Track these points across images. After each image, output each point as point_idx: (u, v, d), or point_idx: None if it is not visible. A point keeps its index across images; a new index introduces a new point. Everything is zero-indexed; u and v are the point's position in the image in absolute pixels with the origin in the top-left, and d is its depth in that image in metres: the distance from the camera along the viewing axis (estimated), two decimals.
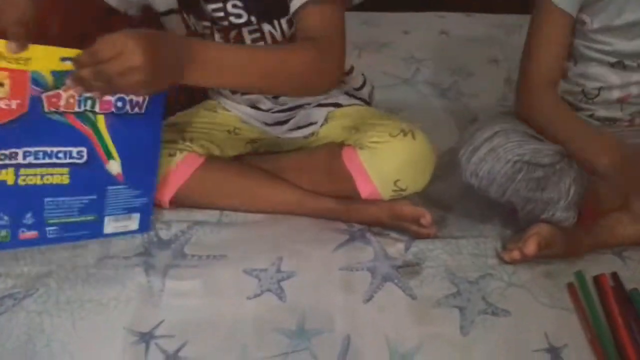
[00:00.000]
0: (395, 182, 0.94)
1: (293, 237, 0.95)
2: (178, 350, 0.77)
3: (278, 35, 0.94)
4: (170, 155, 0.96)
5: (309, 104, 1.06)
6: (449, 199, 1.05)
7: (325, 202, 1.00)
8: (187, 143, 0.99)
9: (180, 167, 0.96)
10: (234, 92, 1.07)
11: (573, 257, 0.94)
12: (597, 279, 0.91)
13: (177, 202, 0.98)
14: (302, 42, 0.85)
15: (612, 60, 0.96)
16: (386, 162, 0.94)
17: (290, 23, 0.93)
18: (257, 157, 1.08)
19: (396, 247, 0.94)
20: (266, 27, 0.94)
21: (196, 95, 1.15)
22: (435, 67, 1.56)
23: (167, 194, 0.96)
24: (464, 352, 0.78)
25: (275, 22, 0.93)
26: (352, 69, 1.09)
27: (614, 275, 0.92)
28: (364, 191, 0.96)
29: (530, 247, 0.89)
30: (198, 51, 0.75)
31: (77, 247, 0.90)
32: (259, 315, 0.83)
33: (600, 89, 0.99)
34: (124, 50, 0.67)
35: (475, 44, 1.67)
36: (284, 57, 0.82)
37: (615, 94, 0.99)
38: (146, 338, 0.78)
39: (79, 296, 0.83)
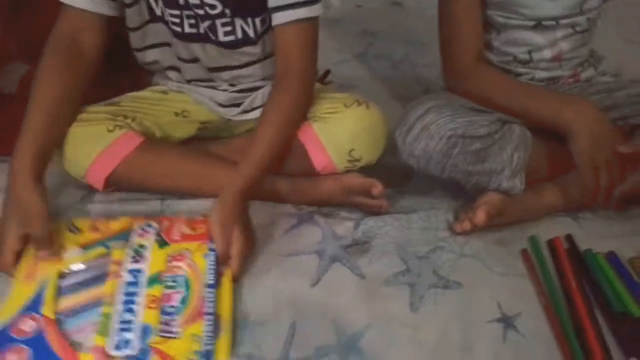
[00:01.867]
0: (349, 152, 0.91)
1: None
2: None
3: (250, 32, 0.93)
4: (109, 131, 0.92)
5: (264, 85, 1.03)
6: (400, 174, 1.02)
7: (275, 183, 0.96)
8: (128, 121, 0.95)
9: (117, 144, 0.92)
10: (190, 82, 1.03)
11: (528, 222, 0.92)
12: (551, 242, 0.89)
13: (114, 184, 0.94)
14: (281, 100, 0.92)
15: (531, 23, 0.94)
16: (340, 131, 0.91)
17: (263, 22, 0.93)
18: (206, 141, 1.04)
19: (345, 226, 0.91)
20: (239, 22, 0.92)
21: (140, 82, 1.10)
22: (388, 40, 1.53)
23: (102, 173, 0.91)
24: (414, 329, 0.75)
25: (249, 20, 0.92)
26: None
27: (568, 237, 0.90)
28: (319, 163, 0.93)
29: (480, 217, 0.86)
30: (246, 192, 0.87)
31: None
32: None
33: (529, 52, 0.96)
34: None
35: (428, 13, 1.62)
36: (282, 127, 0.91)
37: (547, 54, 0.96)
38: None
39: None
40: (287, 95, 0.92)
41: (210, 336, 0.72)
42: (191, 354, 0.70)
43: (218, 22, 0.92)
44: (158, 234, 0.85)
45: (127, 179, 0.93)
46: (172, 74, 1.03)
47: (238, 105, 1.04)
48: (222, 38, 0.93)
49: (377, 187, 0.90)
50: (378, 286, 0.82)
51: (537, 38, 0.96)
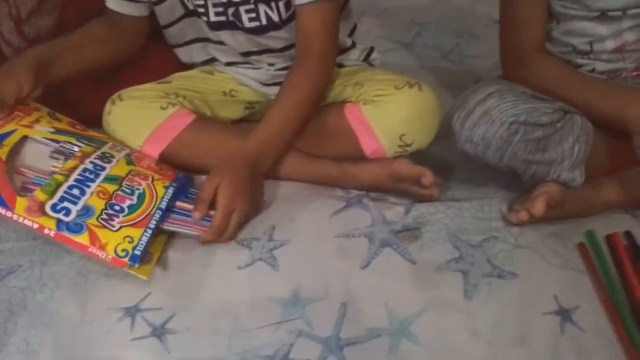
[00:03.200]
0: (400, 137, 0.89)
1: (287, 205, 0.91)
2: (165, 322, 0.73)
3: (275, 16, 0.93)
4: (162, 108, 0.93)
5: None
6: (451, 161, 1.00)
7: (323, 165, 0.95)
8: (180, 99, 0.95)
9: (171, 121, 0.92)
10: (228, 65, 1.03)
11: (584, 217, 0.89)
12: (609, 238, 0.85)
13: (166, 160, 0.94)
14: (300, 80, 0.92)
15: (595, 14, 0.89)
16: (392, 115, 0.89)
17: (287, 6, 0.92)
18: (253, 124, 1.04)
19: (395, 211, 0.90)
20: (262, 8, 0.91)
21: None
22: (437, 30, 1.50)
23: (156, 150, 0.91)
24: (469, 316, 0.73)
25: (272, 4, 0.91)
26: (353, 44, 1.05)
27: (628, 234, 0.86)
28: (369, 148, 0.91)
29: (539, 207, 0.83)
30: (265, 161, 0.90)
31: None
32: (252, 285, 0.79)
33: (591, 42, 0.92)
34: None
35: (478, 4, 1.60)
36: (299, 107, 0.91)
37: (610, 45, 0.92)
38: (132, 312, 0.75)
39: (63, 272, 0.79)
40: (307, 75, 0.92)
41: (143, 247, 0.76)
42: (120, 250, 0.74)
43: (242, 8, 0.91)
44: (129, 155, 0.89)
45: (179, 156, 0.94)
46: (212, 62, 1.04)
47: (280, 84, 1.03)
48: (247, 24, 0.93)
49: (427, 177, 0.88)
50: (430, 272, 0.80)
51: (600, 29, 0.92)
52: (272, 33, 0.95)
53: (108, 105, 0.95)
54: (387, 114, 0.89)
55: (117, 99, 0.95)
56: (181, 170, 0.94)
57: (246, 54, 1.00)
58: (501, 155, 0.85)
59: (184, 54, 1.05)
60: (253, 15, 0.92)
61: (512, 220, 0.86)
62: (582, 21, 0.91)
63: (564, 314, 0.75)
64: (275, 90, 1.04)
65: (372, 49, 1.08)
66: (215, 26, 0.95)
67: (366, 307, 0.75)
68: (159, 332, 0.72)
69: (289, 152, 0.95)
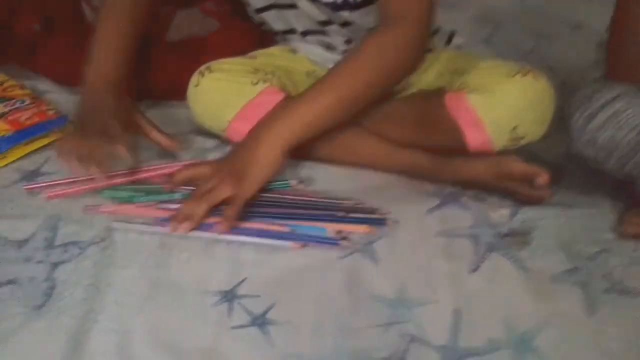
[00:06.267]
0: (512, 129, 0.82)
1: (379, 196, 0.85)
2: (265, 312, 0.67)
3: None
4: (253, 84, 0.86)
5: None
6: (547, 162, 0.92)
7: (414, 155, 0.88)
8: (269, 76, 0.89)
9: (261, 97, 0.86)
10: (305, 34, 0.96)
11: None
12: None
13: None
14: (385, 41, 0.80)
15: None
16: (504, 105, 0.81)
17: None
18: None
19: (499, 213, 0.83)
20: None
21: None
22: (513, 29, 1.44)
23: (245, 127, 0.85)
24: (596, 334, 0.67)
25: None
26: (437, 29, 0.98)
27: None
28: (474, 142, 0.83)
29: None
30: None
31: None
32: (351, 278, 0.73)
33: None
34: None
35: (555, 6, 1.53)
36: (375, 75, 0.80)
37: None
38: (229, 297, 0.68)
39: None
40: (393, 44, 0.80)
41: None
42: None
43: None
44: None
45: None
46: (289, 35, 0.97)
47: None
48: None
49: (544, 177, 0.81)
50: (545, 283, 0.74)
51: None
52: (345, 13, 0.87)
53: (196, 77, 0.89)
54: (499, 103, 0.82)
55: (207, 70, 0.88)
56: None
57: (323, 23, 0.93)
58: (624, 163, 0.78)
59: (268, 17, 0.97)
60: None
61: (629, 233, 0.80)
62: None
63: None
64: None
65: (452, 33, 1.01)
66: None
67: (481, 315, 0.69)
68: (260, 321, 0.66)
69: (373, 138, 0.89)
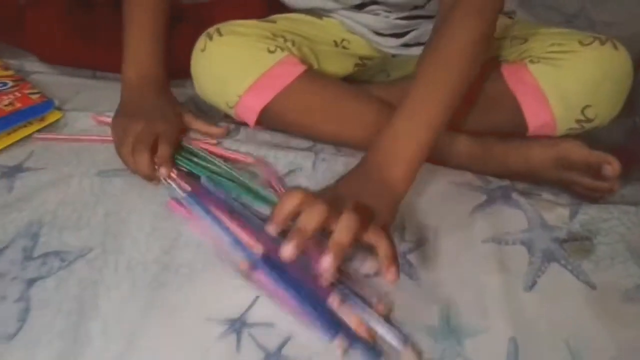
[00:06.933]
0: (583, 109, 0.69)
1: (414, 194, 0.72)
2: (281, 346, 0.56)
3: None
4: (270, 51, 0.73)
5: (432, 18, 0.81)
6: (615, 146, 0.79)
7: (454, 141, 0.75)
8: (288, 44, 0.76)
9: (280, 67, 0.73)
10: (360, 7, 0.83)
11: None
12: None
13: (264, 119, 0.75)
14: (461, 32, 0.64)
15: None
16: (576, 79, 0.68)
17: None
18: (370, 85, 0.84)
19: (556, 213, 0.70)
20: None
21: None
22: None
23: (260, 102, 0.72)
24: None
25: None
26: None
27: None
28: (535, 121, 0.70)
29: None
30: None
31: None
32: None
33: None
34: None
35: None
36: (464, 69, 0.63)
37: None
38: (237, 326, 0.57)
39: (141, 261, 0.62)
40: (469, 24, 0.66)
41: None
42: None
43: None
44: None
45: (281, 114, 0.74)
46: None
47: (399, 36, 0.83)
48: None
49: (614, 165, 0.68)
50: (616, 302, 0.61)
51: None
52: None
53: (202, 41, 0.75)
54: (570, 77, 0.68)
55: (216, 33, 0.75)
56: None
57: (360, 5, 0.81)
58: None
59: None
60: None
61: None
62: None
63: None
64: (389, 42, 0.84)
65: (513, 13, 0.88)
66: None
67: (542, 345, 0.57)
68: (274, 359, 0.55)
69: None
